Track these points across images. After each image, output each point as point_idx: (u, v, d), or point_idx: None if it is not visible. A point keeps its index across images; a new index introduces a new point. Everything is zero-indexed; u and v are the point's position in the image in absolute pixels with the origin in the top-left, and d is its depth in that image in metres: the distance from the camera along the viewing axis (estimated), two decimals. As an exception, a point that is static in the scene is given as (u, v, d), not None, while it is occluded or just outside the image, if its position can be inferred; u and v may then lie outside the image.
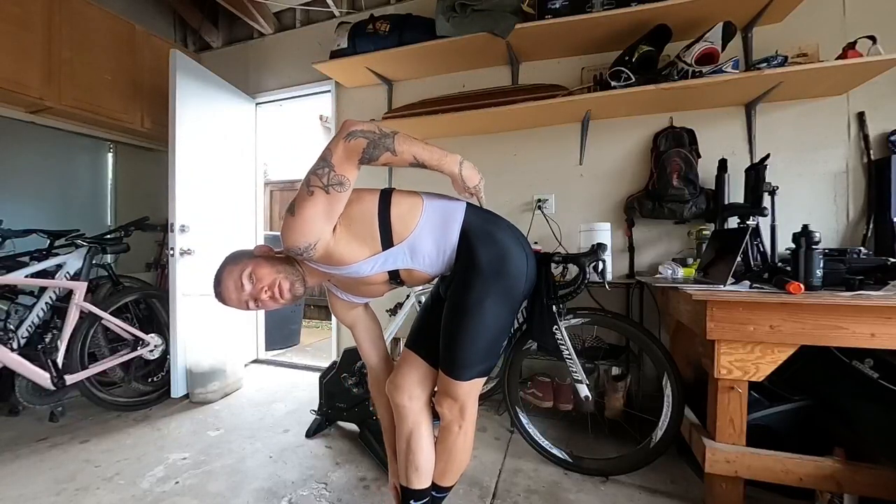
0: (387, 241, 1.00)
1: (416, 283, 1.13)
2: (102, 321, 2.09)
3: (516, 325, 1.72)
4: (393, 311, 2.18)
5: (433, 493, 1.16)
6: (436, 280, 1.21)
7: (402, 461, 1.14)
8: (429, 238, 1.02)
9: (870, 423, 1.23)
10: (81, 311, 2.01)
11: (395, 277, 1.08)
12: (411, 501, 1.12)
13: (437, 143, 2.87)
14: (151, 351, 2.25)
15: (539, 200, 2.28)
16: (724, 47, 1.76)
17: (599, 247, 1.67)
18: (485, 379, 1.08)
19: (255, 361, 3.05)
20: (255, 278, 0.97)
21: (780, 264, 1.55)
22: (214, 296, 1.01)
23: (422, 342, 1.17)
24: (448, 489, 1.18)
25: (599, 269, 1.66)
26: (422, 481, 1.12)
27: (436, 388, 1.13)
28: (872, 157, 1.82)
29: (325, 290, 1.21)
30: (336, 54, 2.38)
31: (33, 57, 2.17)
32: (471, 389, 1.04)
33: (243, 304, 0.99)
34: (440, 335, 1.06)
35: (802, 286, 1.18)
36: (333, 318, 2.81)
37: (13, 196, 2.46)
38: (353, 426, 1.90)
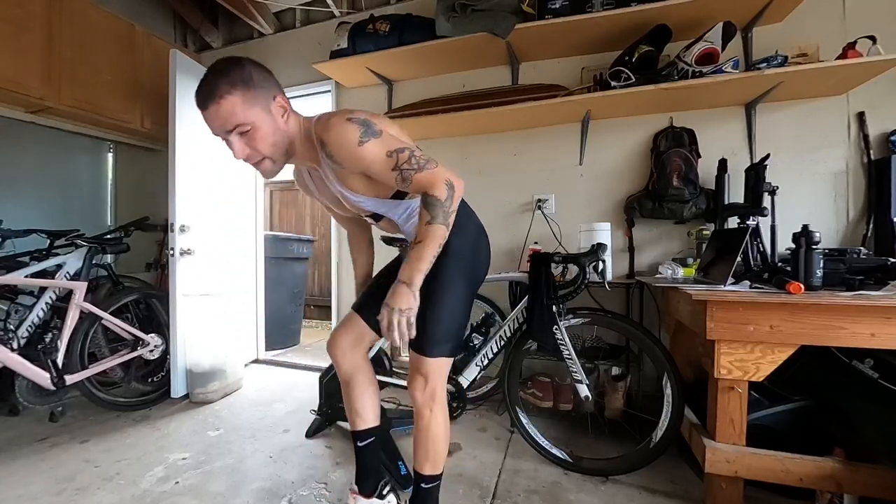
0: (398, 195, 1.10)
1: (387, 230, 1.27)
2: (102, 321, 2.09)
3: (516, 325, 1.73)
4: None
5: (421, 484, 1.16)
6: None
7: (347, 405, 1.29)
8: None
9: (870, 423, 1.23)
10: (81, 311, 2.01)
11: (377, 219, 1.18)
12: (358, 442, 1.28)
13: (438, 142, 2.86)
14: (151, 351, 2.25)
15: (539, 200, 2.28)
16: (724, 47, 1.76)
17: (599, 247, 1.68)
18: (451, 361, 1.15)
19: (255, 361, 3.05)
20: (244, 112, 0.91)
21: (780, 264, 1.55)
22: (197, 95, 0.92)
23: (369, 306, 1.24)
24: (435, 478, 1.17)
25: (599, 269, 1.67)
26: (365, 422, 1.28)
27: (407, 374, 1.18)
28: (872, 157, 1.82)
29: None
30: (336, 54, 2.38)
31: (33, 57, 2.16)
32: (439, 368, 1.11)
33: (217, 131, 0.95)
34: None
35: (802, 286, 1.18)
36: (333, 318, 2.81)
37: (13, 196, 2.46)
38: (353, 426, 1.90)
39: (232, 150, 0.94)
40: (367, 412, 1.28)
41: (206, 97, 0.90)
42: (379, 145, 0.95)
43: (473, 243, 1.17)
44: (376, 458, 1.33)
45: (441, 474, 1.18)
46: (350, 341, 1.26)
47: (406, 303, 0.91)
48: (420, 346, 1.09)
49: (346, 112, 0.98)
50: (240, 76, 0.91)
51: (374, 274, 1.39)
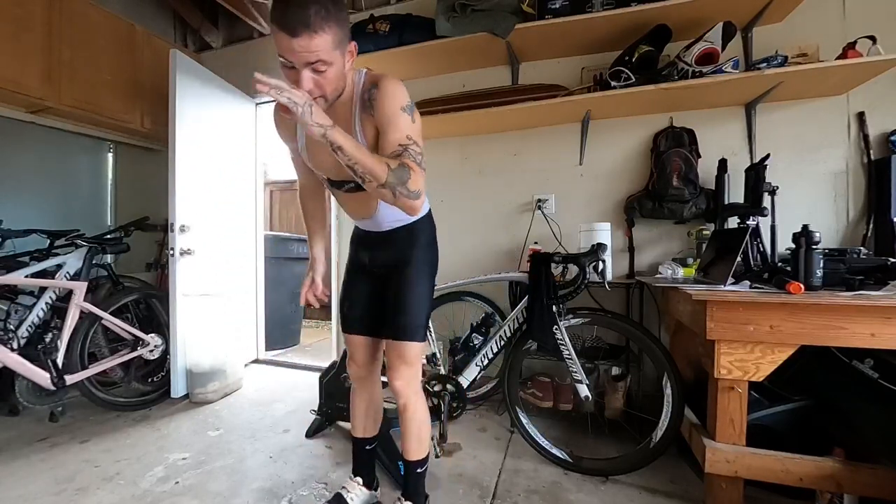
0: None
1: (354, 210, 1.21)
2: (102, 321, 2.09)
3: (516, 325, 1.73)
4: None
5: (417, 470, 1.25)
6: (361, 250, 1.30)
7: (359, 415, 1.36)
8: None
9: (870, 423, 1.23)
10: (81, 311, 2.01)
11: (360, 188, 1.06)
12: (367, 446, 1.37)
13: (438, 142, 2.86)
14: (151, 351, 2.25)
15: (539, 200, 2.28)
16: (724, 47, 1.76)
17: (599, 247, 1.68)
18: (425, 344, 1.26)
19: (255, 361, 3.05)
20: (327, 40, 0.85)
21: (780, 264, 1.55)
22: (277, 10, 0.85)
23: (362, 322, 1.28)
24: (426, 460, 1.26)
25: (599, 269, 1.67)
26: (377, 429, 1.40)
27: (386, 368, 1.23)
28: (872, 157, 1.82)
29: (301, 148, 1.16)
30: (336, 54, 2.38)
31: (33, 57, 2.16)
32: (420, 352, 1.21)
33: (294, 60, 0.87)
34: (391, 308, 1.18)
35: (802, 286, 1.18)
36: (333, 318, 2.81)
37: (13, 196, 2.46)
38: (353, 426, 1.91)
39: (298, 82, 0.89)
40: (379, 421, 1.41)
41: (299, 24, 0.82)
42: (409, 125, 0.99)
43: (433, 242, 1.29)
44: (374, 458, 1.45)
45: (428, 454, 1.27)
46: (366, 361, 1.32)
47: (317, 115, 0.85)
48: (405, 333, 1.16)
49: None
50: (336, 13, 0.86)
51: (342, 288, 1.35)
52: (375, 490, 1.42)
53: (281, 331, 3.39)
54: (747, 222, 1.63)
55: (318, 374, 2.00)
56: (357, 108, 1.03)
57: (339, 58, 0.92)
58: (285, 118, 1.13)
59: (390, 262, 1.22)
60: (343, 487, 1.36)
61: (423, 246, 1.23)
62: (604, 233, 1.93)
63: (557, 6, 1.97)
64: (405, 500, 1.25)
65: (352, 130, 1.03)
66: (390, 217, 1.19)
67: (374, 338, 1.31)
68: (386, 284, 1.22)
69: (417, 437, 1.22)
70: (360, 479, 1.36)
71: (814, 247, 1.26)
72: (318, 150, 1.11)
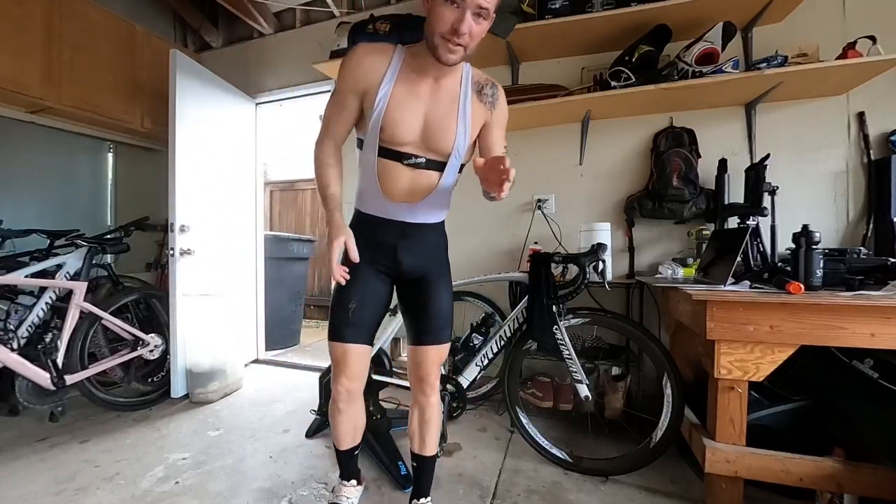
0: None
1: (400, 192, 1.12)
2: (102, 321, 2.09)
3: (516, 325, 1.73)
4: (393, 312, 2.17)
5: (430, 464, 1.27)
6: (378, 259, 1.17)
7: (349, 430, 1.26)
8: (447, 199, 1.25)
9: (870, 423, 1.23)
10: (81, 311, 2.01)
11: (432, 167, 1.13)
12: (355, 452, 1.31)
13: (437, 143, 2.76)
14: (151, 351, 2.24)
15: (539, 200, 2.28)
16: (724, 47, 1.76)
17: (599, 247, 1.68)
18: None
19: (255, 361, 3.05)
20: None
21: (780, 264, 1.55)
22: None
23: (366, 329, 1.17)
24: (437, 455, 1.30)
25: (599, 269, 1.67)
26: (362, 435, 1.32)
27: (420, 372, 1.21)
28: (872, 157, 1.82)
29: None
30: (336, 54, 2.38)
31: (33, 57, 2.16)
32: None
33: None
34: (435, 315, 1.17)
35: (802, 286, 1.18)
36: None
37: (13, 196, 2.46)
38: (353, 426, 1.90)
39: (461, 22, 0.96)
40: (363, 427, 1.31)
41: None
42: None
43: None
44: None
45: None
46: (360, 374, 1.22)
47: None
48: (447, 336, 1.20)
49: None
50: None
51: (347, 289, 1.19)
52: (361, 483, 1.40)
53: (281, 331, 3.39)
54: (747, 222, 1.64)
55: (318, 374, 2.00)
56: (469, 93, 1.13)
57: (490, 23, 1.00)
58: (377, 65, 1.13)
59: (422, 267, 1.18)
60: (338, 495, 1.32)
61: (446, 251, 1.27)
62: (604, 233, 1.93)
63: (557, 6, 1.97)
64: (422, 498, 1.27)
65: (456, 109, 1.11)
66: (430, 209, 1.16)
67: (363, 346, 1.19)
68: (419, 291, 1.18)
69: (437, 432, 1.26)
70: (353, 482, 1.35)
71: (814, 247, 1.26)
72: (408, 112, 1.08)
